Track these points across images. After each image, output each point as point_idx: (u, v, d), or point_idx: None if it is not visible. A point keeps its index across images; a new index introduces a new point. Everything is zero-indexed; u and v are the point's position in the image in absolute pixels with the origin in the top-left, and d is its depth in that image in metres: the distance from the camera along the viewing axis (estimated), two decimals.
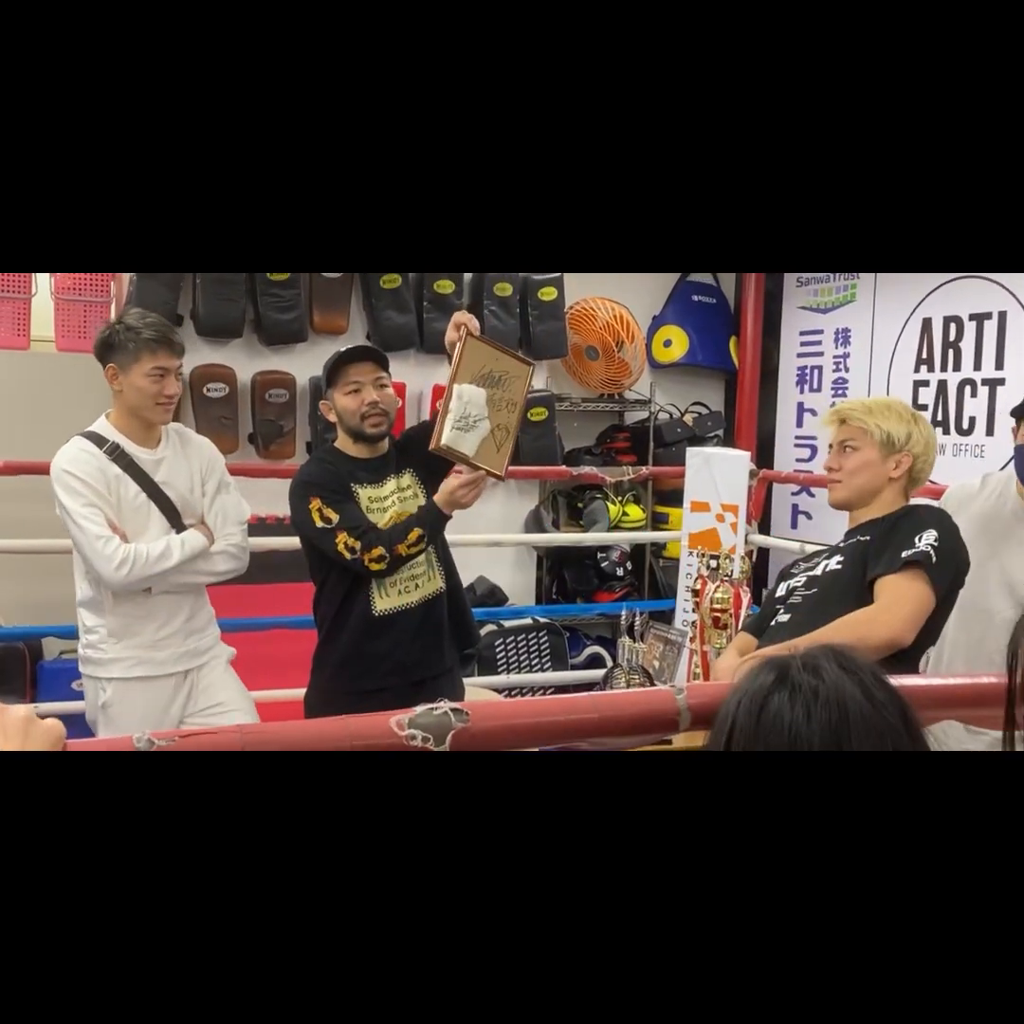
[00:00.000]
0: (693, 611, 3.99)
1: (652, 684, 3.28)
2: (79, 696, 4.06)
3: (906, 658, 2.07)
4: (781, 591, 2.34)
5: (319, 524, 2.68)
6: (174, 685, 2.86)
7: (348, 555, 2.66)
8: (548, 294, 4.96)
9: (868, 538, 2.21)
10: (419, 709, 1.11)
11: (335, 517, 2.67)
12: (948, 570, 2.12)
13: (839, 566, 2.21)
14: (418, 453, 2.78)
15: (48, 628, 4.27)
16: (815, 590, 2.22)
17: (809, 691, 0.94)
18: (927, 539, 2.10)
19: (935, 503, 2.55)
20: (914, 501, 2.37)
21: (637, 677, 3.30)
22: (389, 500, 2.80)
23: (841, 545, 2.29)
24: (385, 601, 2.78)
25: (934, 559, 2.07)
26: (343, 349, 2.81)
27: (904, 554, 2.08)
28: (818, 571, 2.26)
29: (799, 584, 2.28)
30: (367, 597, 2.77)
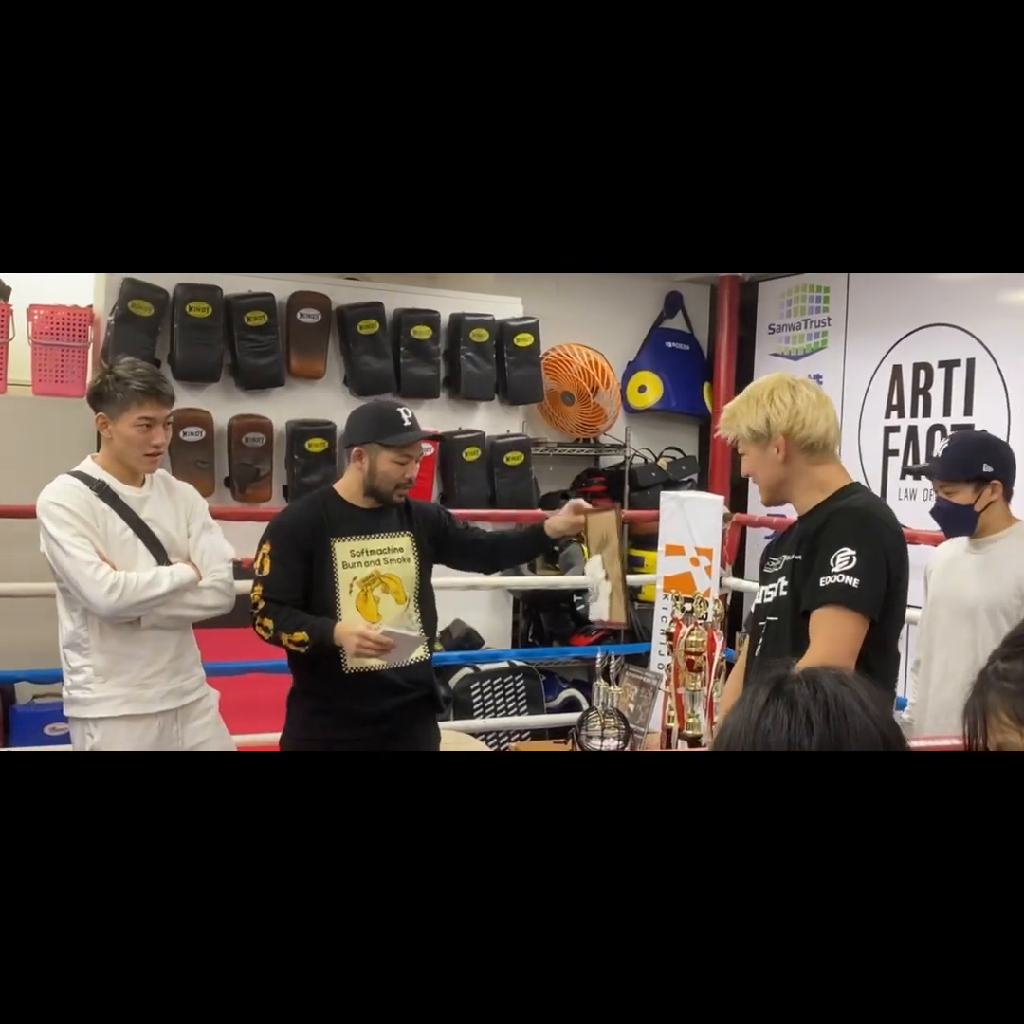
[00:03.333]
0: (668, 654, 3.97)
1: (627, 727, 3.27)
2: (52, 741, 4.03)
3: (880, 675, 2.09)
4: (759, 598, 2.34)
5: (255, 568, 2.77)
6: (160, 726, 2.82)
7: (252, 610, 2.74)
8: (524, 340, 5.00)
9: (799, 557, 2.18)
10: None
11: (266, 570, 2.74)
12: (874, 585, 2.07)
13: (786, 593, 2.20)
14: (428, 526, 2.89)
15: (21, 672, 4.22)
16: (776, 619, 2.22)
17: (808, 700, 0.95)
18: (842, 562, 2.05)
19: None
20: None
21: (612, 721, 3.28)
22: (375, 556, 2.81)
23: (786, 560, 2.24)
24: (354, 659, 2.77)
25: (855, 584, 2.03)
26: (410, 425, 2.80)
27: (823, 583, 2.05)
28: (773, 594, 2.25)
29: (768, 601, 2.27)
30: (338, 652, 2.75)
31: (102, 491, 2.76)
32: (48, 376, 4.43)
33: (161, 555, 2.80)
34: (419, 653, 2.85)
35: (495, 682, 4.71)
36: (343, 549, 2.78)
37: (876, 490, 4.88)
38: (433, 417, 4.89)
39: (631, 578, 5.22)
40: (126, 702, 2.77)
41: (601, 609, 2.99)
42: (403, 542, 2.86)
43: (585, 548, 3.00)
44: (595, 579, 2.99)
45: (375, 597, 2.81)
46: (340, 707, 2.78)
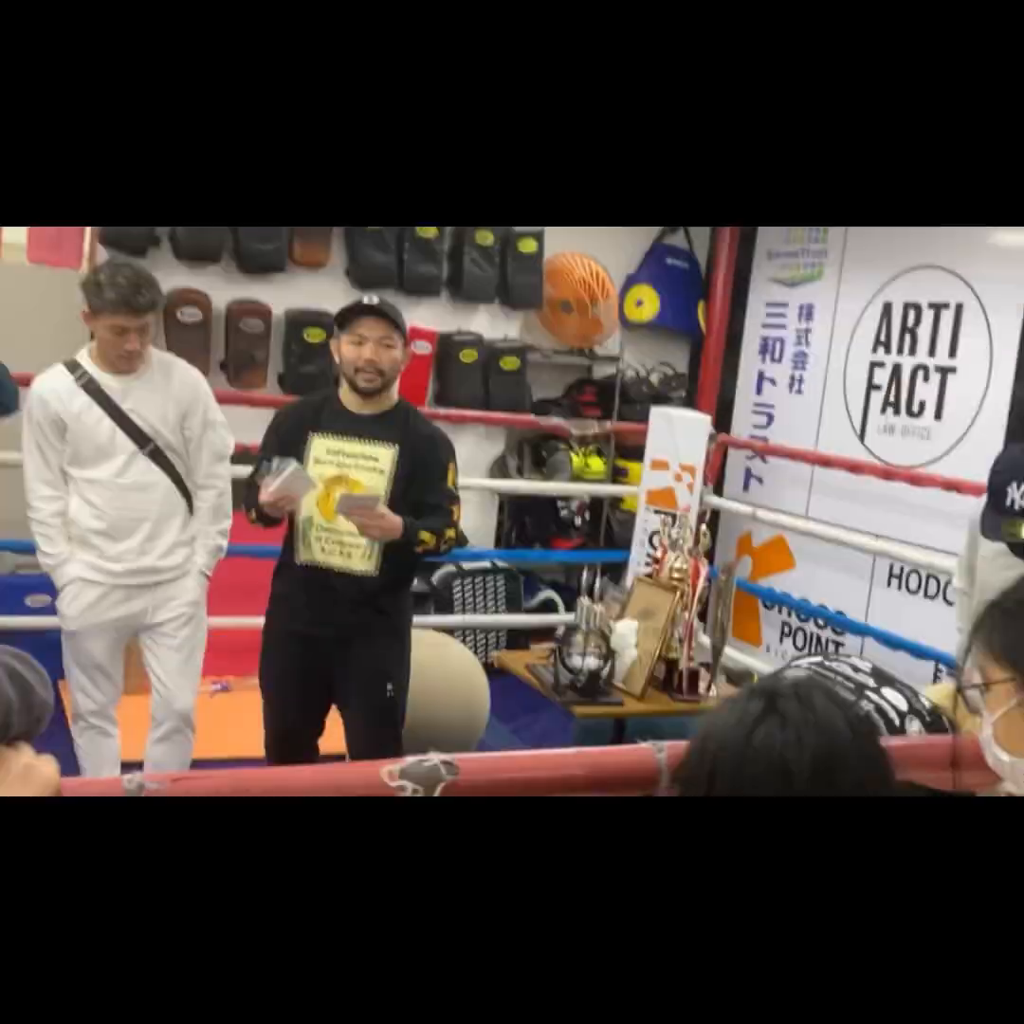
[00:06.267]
0: (647, 565, 3.86)
1: (608, 647, 3.11)
2: (33, 612, 3.84)
3: None
4: None
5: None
6: (127, 595, 2.83)
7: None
8: (528, 246, 4.68)
9: None
10: (409, 760, 1.04)
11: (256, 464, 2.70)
12: None
13: None
14: (421, 449, 2.67)
15: (2, 542, 3.99)
16: None
17: (800, 720, 0.93)
18: None
19: None
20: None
21: (594, 640, 3.12)
22: (348, 459, 2.65)
23: None
24: (306, 552, 2.68)
25: None
26: (361, 301, 2.64)
27: None
28: None
29: None
30: (294, 543, 2.69)
31: (84, 381, 2.75)
32: (44, 244, 4.06)
33: (143, 442, 2.77)
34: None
35: (476, 580, 4.55)
36: (320, 445, 2.66)
37: (857, 423, 4.69)
38: (434, 315, 4.61)
39: (614, 489, 5.06)
40: (90, 568, 2.79)
41: (620, 672, 2.98)
42: (383, 453, 2.65)
43: (620, 610, 3.09)
44: (624, 642, 2.99)
45: (335, 498, 2.61)
46: (296, 598, 2.70)
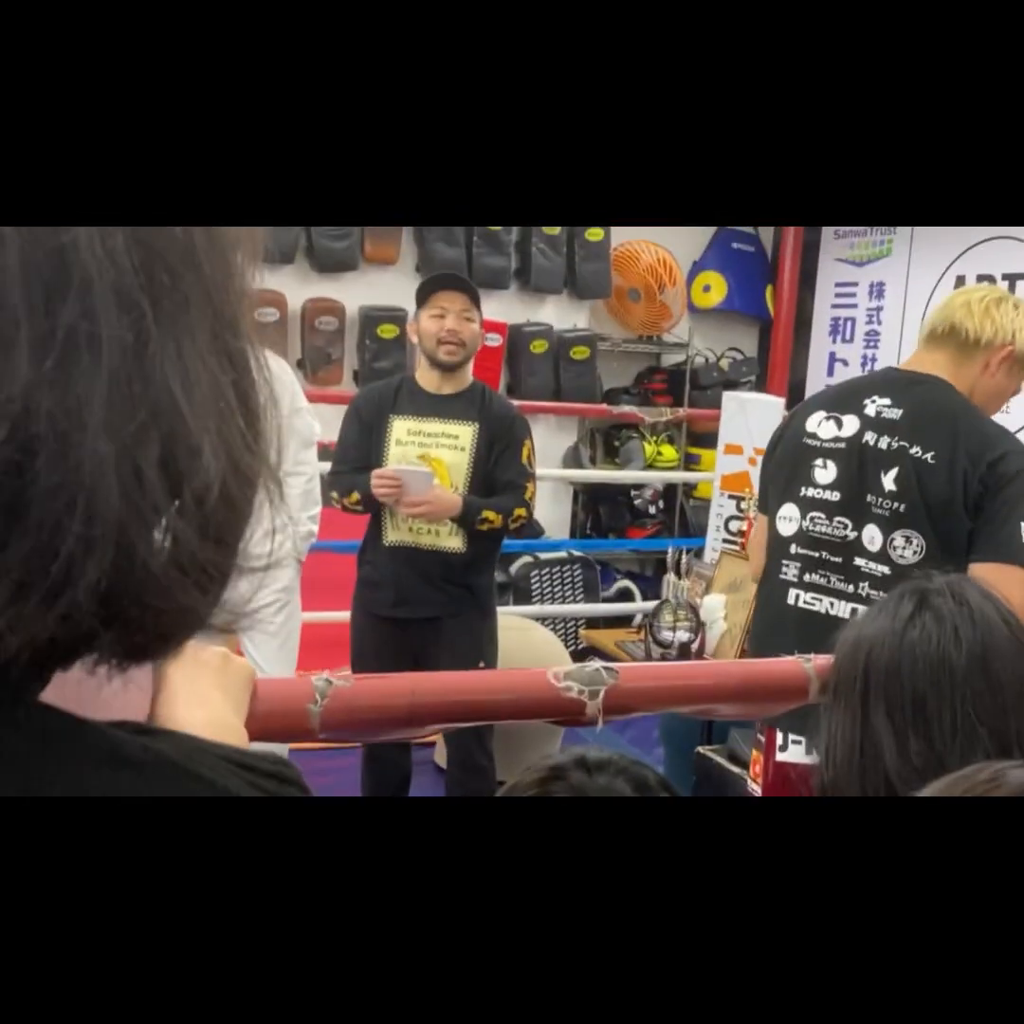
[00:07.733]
0: (726, 541, 3.80)
1: (698, 621, 3.04)
2: None
3: None
4: None
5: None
6: None
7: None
8: (595, 235, 4.63)
9: None
10: (573, 666, 1.03)
11: (337, 450, 2.75)
12: None
13: None
14: (497, 426, 2.66)
15: None
16: None
17: (955, 614, 0.92)
18: None
19: None
20: None
21: (684, 613, 3.06)
22: (429, 438, 2.64)
23: None
24: (394, 533, 2.65)
25: None
26: (441, 272, 2.66)
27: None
28: None
29: None
30: (381, 524, 2.66)
31: None
32: None
33: None
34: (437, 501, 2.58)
35: (553, 570, 4.49)
36: (401, 427, 2.64)
37: None
38: (503, 308, 4.57)
39: (688, 475, 4.98)
40: None
41: (710, 644, 2.99)
42: (463, 431, 2.64)
43: (707, 585, 3.12)
44: (712, 616, 3.00)
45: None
46: (378, 579, 2.67)
